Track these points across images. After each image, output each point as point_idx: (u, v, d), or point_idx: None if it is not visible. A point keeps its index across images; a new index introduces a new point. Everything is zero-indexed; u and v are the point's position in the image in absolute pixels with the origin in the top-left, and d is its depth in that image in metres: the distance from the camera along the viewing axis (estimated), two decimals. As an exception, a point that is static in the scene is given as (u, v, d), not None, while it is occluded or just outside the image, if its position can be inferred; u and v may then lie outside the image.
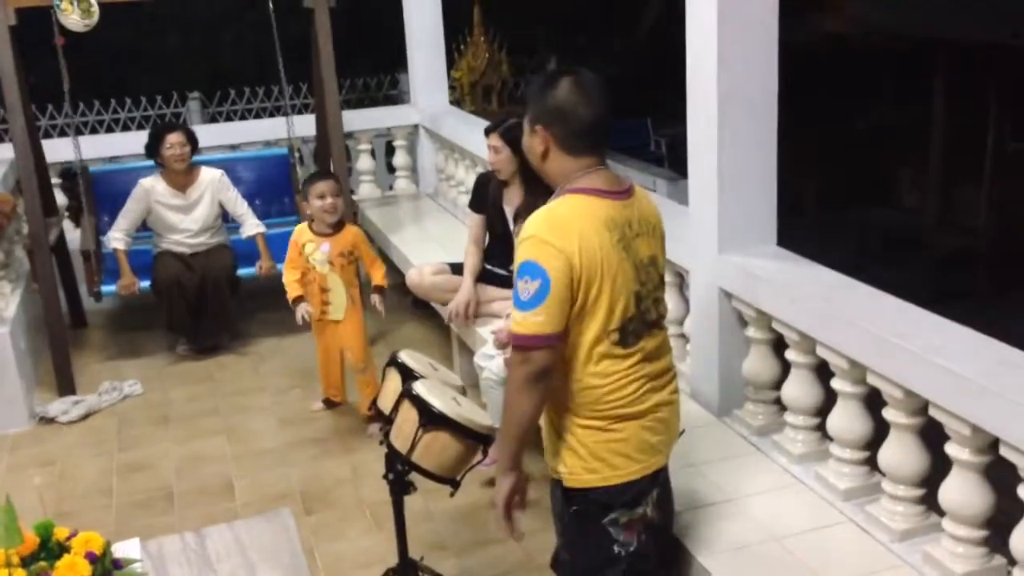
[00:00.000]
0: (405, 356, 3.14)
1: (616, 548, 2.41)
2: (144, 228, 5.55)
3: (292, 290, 4.48)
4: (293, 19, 5.91)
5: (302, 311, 4.41)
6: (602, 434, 2.36)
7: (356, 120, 6.71)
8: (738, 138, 3.26)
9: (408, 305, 5.86)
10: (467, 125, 6.17)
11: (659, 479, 2.46)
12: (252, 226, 5.53)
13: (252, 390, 5.11)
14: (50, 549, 2.04)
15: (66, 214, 6.33)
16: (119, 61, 13.61)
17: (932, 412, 2.55)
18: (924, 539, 2.70)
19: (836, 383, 2.94)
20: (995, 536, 2.57)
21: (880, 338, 2.68)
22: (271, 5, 5.47)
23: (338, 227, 4.41)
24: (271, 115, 12.79)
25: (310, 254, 4.37)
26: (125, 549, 2.25)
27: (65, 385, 5.06)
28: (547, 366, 2.28)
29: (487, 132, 4.33)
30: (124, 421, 4.84)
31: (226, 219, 5.66)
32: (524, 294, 2.24)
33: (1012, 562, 2.44)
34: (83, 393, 5.06)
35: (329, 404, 4.77)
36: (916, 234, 9.52)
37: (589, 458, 2.37)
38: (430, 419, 2.81)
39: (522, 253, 2.28)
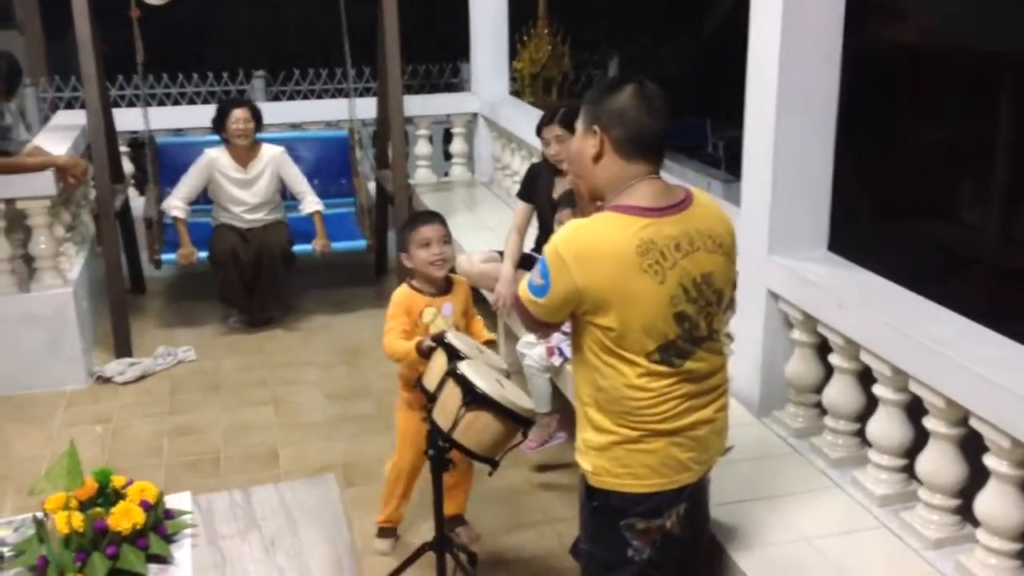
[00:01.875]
0: (452, 337, 3.19)
1: (630, 552, 2.39)
2: (205, 201, 5.70)
3: (405, 346, 3.26)
4: (361, 1, 6.00)
5: (433, 335, 3.14)
6: (631, 444, 2.34)
7: (416, 105, 6.79)
8: (795, 142, 3.27)
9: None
10: (525, 116, 6.21)
11: (685, 494, 2.41)
12: (312, 203, 5.66)
13: (301, 364, 5.22)
14: (107, 495, 2.15)
15: (131, 182, 6.50)
16: (188, 36, 13.87)
17: (973, 423, 2.55)
18: (958, 549, 2.70)
19: (878, 389, 2.95)
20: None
21: (924, 346, 2.68)
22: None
23: (448, 282, 3.43)
24: (333, 97, 12.97)
25: (431, 322, 3.34)
26: (177, 501, 2.34)
27: (122, 347, 5.22)
28: (528, 328, 2.52)
29: (543, 125, 4.34)
30: (176, 386, 4.99)
31: (284, 197, 5.78)
32: (535, 279, 2.35)
33: (1044, 577, 2.45)
34: (139, 356, 5.22)
35: (394, 533, 3.62)
36: (976, 249, 9.38)
37: (614, 462, 2.36)
38: (473, 398, 2.87)
39: (546, 251, 2.32)
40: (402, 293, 3.42)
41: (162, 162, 5.91)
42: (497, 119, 6.49)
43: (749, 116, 3.39)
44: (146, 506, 2.11)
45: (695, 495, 2.45)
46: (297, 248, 5.58)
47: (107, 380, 4.99)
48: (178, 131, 6.49)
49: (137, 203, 6.17)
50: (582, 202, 2.50)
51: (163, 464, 4.23)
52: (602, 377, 2.33)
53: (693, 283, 2.30)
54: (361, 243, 5.74)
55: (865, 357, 2.96)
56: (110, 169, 5.33)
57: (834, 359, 3.16)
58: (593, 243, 2.26)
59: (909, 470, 2.96)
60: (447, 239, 3.39)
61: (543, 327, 2.49)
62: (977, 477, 2.68)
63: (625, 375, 2.30)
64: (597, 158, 2.33)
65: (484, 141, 6.85)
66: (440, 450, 3.09)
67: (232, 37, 14.26)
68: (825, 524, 2.91)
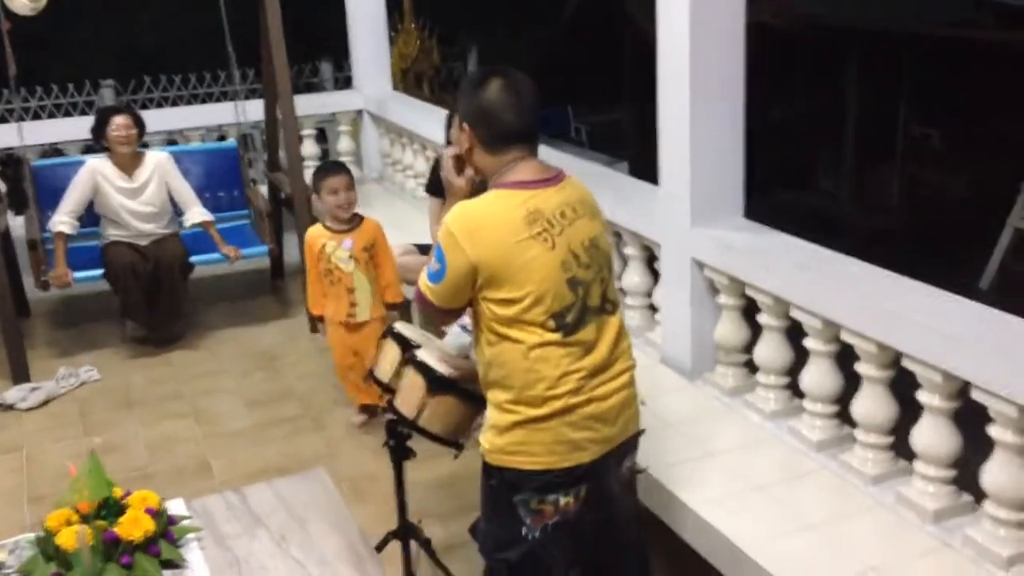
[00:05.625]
0: (400, 327, 3.24)
1: (523, 530, 2.48)
2: (91, 223, 5.45)
3: (317, 306, 4.27)
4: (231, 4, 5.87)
5: (321, 331, 4.35)
6: (530, 424, 2.42)
7: (300, 105, 6.67)
8: (709, 115, 3.43)
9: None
10: (414, 110, 6.26)
11: (578, 473, 2.46)
12: (197, 214, 5.51)
13: (214, 373, 5.12)
14: (110, 507, 2.11)
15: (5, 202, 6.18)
16: (28, 48, 13.21)
17: (906, 363, 2.77)
18: (896, 481, 2.92)
19: (809, 343, 3.15)
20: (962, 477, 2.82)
21: (854, 298, 2.90)
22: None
23: (355, 221, 4.18)
24: (188, 103, 12.61)
25: (332, 253, 4.12)
26: (173, 507, 2.31)
27: (19, 372, 5.01)
28: (426, 319, 2.60)
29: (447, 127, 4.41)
30: (86, 406, 4.82)
31: (177, 211, 5.60)
32: (431, 267, 2.46)
33: (979, 498, 2.69)
34: (37, 381, 5.01)
35: (370, 411, 4.41)
36: (833, 215, 9.97)
37: (510, 442, 2.45)
38: (437, 384, 2.93)
39: (440, 238, 2.43)
40: (311, 233, 4.21)
41: (39, 185, 5.62)
42: (385, 114, 6.49)
43: (663, 97, 3.54)
44: (152, 513, 2.09)
45: (596, 476, 2.51)
46: (197, 259, 5.44)
47: (9, 407, 4.77)
48: (53, 146, 6.23)
49: (14, 223, 5.89)
50: (450, 194, 2.65)
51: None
52: (501, 352, 2.42)
53: (583, 247, 2.44)
54: (262, 249, 5.65)
55: (795, 313, 3.16)
56: (-13, 190, 5.09)
57: (763, 319, 3.36)
58: (482, 216, 2.39)
59: (840, 415, 3.18)
60: (351, 186, 4.13)
61: (444, 315, 2.54)
62: (907, 417, 2.92)
63: (522, 346, 2.38)
64: (470, 152, 2.51)
65: (371, 138, 6.84)
66: (400, 439, 3.14)
67: (74, 47, 13.66)
68: (770, 471, 3.10)
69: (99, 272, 5.26)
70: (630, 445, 2.65)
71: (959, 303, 2.79)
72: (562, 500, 2.48)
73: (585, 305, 2.43)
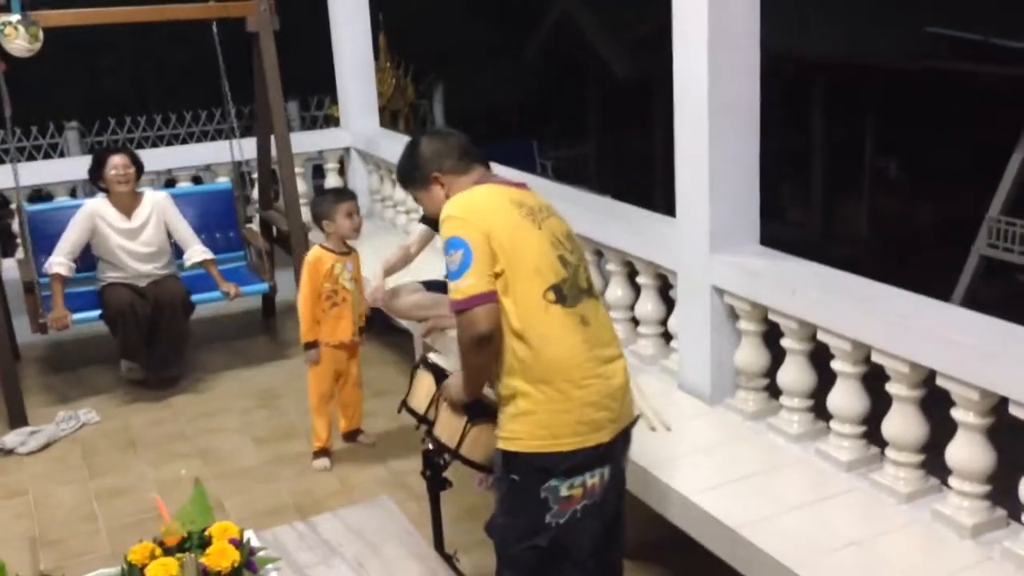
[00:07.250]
0: (435, 357, 3.26)
1: (548, 518, 2.60)
2: (87, 268, 5.38)
3: (312, 332, 4.26)
4: (182, 45, 5.84)
5: (314, 357, 4.30)
6: (551, 405, 2.56)
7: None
8: (727, 145, 3.52)
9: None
10: (403, 146, 6.28)
11: (601, 451, 2.61)
12: (198, 252, 5.45)
13: (216, 412, 5.07)
14: (195, 540, 2.09)
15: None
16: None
17: (940, 382, 2.85)
18: (930, 498, 2.99)
19: (837, 365, 3.22)
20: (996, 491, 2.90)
21: (885, 319, 2.98)
22: (215, 30, 5.47)
23: (350, 246, 4.40)
24: (154, 145, 12.54)
25: (340, 273, 4.28)
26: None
27: (17, 416, 4.91)
28: (489, 325, 2.53)
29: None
30: (88, 449, 4.74)
31: (176, 251, 5.54)
32: (452, 265, 2.55)
33: (1012, 511, 2.77)
34: (35, 424, 4.92)
35: (327, 453, 4.44)
36: (801, 244, 10.19)
37: (534, 425, 2.57)
38: (478, 413, 2.95)
39: (444, 232, 2.61)
40: (314, 254, 4.28)
41: (33, 229, 5.51)
42: (376, 151, 6.53)
43: (679, 125, 3.62)
44: (235, 544, 2.08)
45: (613, 457, 2.69)
46: (197, 298, 5.38)
47: (9, 452, 4.68)
48: (39, 189, 6.16)
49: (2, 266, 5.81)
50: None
51: (102, 528, 4.04)
52: (513, 341, 2.54)
53: (563, 235, 2.72)
54: (263, 287, 5.61)
55: (823, 336, 3.23)
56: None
57: (787, 343, 3.42)
58: (475, 199, 2.67)
59: (866, 436, 3.25)
60: (359, 210, 4.34)
61: (487, 298, 2.51)
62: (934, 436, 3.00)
63: (531, 325, 2.54)
64: (448, 194, 2.76)
65: (359, 175, 6.86)
66: (437, 469, 3.15)
67: (38, 88, 13.54)
68: (803, 492, 3.16)
69: (97, 313, 5.18)
70: (630, 431, 2.80)
71: (988, 320, 2.88)
72: (589, 481, 2.61)
73: (576, 283, 2.65)
